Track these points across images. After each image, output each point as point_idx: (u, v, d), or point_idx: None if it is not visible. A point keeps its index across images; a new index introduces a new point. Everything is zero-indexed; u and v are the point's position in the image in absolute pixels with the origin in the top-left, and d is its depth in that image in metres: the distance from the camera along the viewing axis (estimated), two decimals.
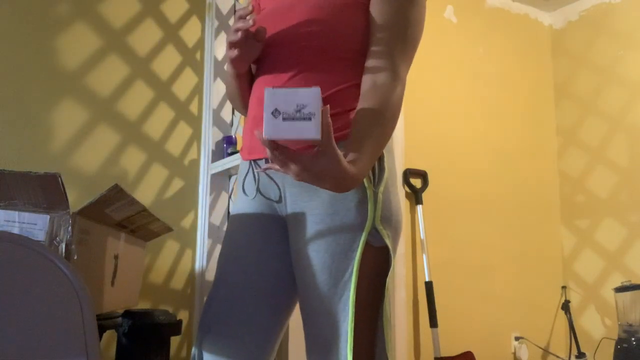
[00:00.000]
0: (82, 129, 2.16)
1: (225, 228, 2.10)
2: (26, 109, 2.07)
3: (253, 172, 1.19)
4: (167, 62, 2.37)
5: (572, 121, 3.40)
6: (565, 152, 3.42)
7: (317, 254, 1.07)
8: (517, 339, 3.08)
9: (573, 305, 3.22)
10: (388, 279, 1.09)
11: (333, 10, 1.11)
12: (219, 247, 2.32)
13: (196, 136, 2.40)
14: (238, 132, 2.37)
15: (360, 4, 1.12)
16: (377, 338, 1.07)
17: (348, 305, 1.04)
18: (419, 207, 2.86)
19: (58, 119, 2.12)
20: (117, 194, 1.12)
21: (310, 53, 1.11)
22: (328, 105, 0.87)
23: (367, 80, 1.08)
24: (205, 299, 1.48)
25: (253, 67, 1.23)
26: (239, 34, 1.07)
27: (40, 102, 2.10)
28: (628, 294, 2.72)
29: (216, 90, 2.41)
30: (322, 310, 1.06)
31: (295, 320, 1.30)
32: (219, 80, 2.42)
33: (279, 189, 1.14)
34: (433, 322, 2.73)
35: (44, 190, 1.01)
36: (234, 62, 1.15)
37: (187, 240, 2.33)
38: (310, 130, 0.85)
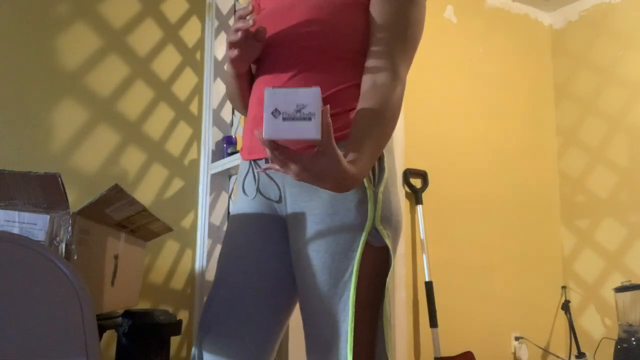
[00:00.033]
0: (82, 129, 2.16)
1: (225, 228, 2.10)
2: (26, 109, 2.07)
3: (253, 172, 1.19)
4: (167, 62, 2.37)
5: (572, 121, 3.40)
6: (565, 152, 3.42)
7: (317, 254, 1.07)
8: (517, 339, 3.08)
9: (573, 305, 3.22)
10: (388, 279, 1.09)
11: (333, 10, 1.11)
12: (219, 247, 2.32)
13: (196, 136, 2.40)
14: (238, 132, 2.37)
15: (360, 4, 1.12)
16: (377, 338, 1.07)
17: (348, 305, 1.04)
18: (419, 207, 2.86)
19: (58, 119, 2.12)
20: (117, 194, 1.12)
21: (310, 53, 1.11)
22: (328, 105, 0.87)
23: (367, 80, 1.08)
24: (205, 299, 1.48)
25: (253, 67, 1.23)
26: (239, 34, 1.07)
27: (40, 102, 2.10)
28: (628, 294, 2.71)
29: (216, 90, 2.41)
30: (322, 310, 1.06)
31: (295, 320, 1.29)
32: (219, 80, 2.42)
33: (279, 189, 1.14)
34: (433, 322, 2.73)
35: (44, 190, 1.01)
36: (234, 62, 1.15)
37: (187, 240, 2.33)
38: (310, 130, 0.85)
